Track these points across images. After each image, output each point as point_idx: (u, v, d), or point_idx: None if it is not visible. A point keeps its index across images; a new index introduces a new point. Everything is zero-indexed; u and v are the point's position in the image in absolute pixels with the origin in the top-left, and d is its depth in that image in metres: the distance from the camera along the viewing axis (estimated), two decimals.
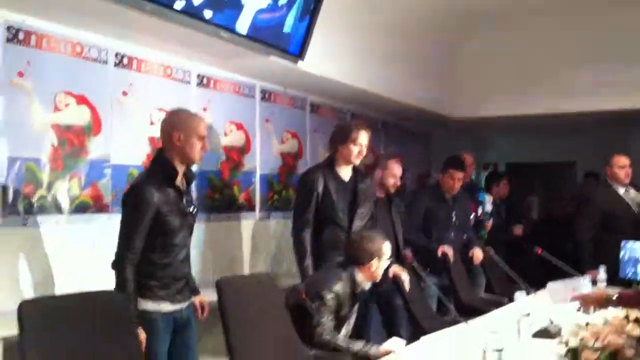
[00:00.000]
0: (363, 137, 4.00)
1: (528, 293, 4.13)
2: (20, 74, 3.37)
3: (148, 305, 2.86)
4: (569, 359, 2.47)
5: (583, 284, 3.67)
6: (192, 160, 3.02)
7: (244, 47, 3.97)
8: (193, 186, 3.53)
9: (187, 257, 3.06)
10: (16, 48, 3.35)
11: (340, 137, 4.02)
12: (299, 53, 4.28)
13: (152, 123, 4.14)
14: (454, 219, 5.15)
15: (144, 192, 2.84)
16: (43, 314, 1.98)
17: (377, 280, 3.48)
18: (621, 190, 5.22)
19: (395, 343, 3.14)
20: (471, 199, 5.82)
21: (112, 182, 3.89)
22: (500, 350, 2.44)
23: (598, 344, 2.44)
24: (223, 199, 4.78)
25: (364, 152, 4.05)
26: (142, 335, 2.74)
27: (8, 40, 3.32)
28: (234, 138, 4.90)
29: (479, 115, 7.18)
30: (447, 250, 4.89)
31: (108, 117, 3.86)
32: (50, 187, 3.52)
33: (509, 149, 9.20)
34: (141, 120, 4.10)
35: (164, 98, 4.22)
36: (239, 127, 4.93)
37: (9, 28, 3.31)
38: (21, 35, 3.37)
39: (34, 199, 3.44)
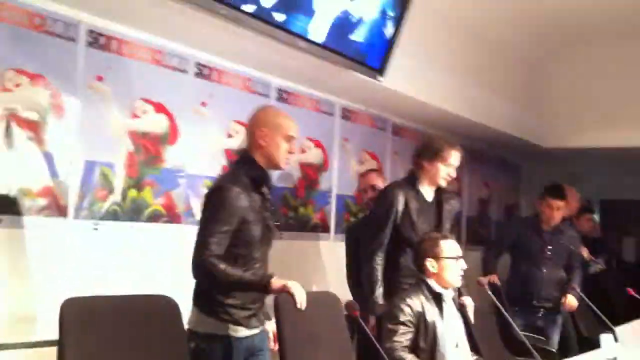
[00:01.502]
0: (455, 158, 3.62)
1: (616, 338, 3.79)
2: (100, 78, 3.40)
3: (220, 328, 2.57)
4: None
5: None
6: (276, 162, 2.70)
7: (320, 58, 3.86)
8: None
9: None
10: (96, 52, 3.38)
11: (429, 154, 3.63)
12: (379, 67, 4.14)
13: (229, 135, 4.12)
14: (548, 254, 4.72)
15: (231, 192, 2.53)
16: (85, 315, 1.89)
17: (452, 285, 3.20)
18: None
19: None
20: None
21: (185, 192, 3.86)
22: None
23: None
24: (297, 217, 4.68)
25: (454, 175, 3.68)
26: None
27: (89, 44, 3.35)
28: (311, 155, 4.80)
29: (573, 146, 6.78)
30: (482, 280, 4.08)
31: (185, 127, 3.85)
32: (123, 193, 3.52)
33: (603, 184, 8.67)
34: (218, 132, 4.07)
35: (242, 110, 4.16)
36: (317, 144, 4.84)
37: (90, 32, 3.35)
38: (102, 40, 3.40)
39: (106, 204, 3.44)
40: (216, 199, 2.57)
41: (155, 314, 2.14)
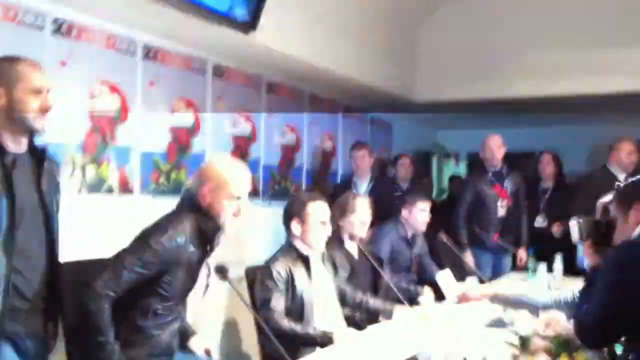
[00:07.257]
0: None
1: (482, 281, 4.11)
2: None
3: None
4: (520, 347, 2.37)
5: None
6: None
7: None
8: None
9: None
10: None
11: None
12: (251, 21, 4.01)
13: (92, 96, 3.90)
14: None
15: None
16: None
17: (316, 248, 3.19)
18: (621, 177, 4.98)
19: (347, 334, 2.97)
20: None
21: None
22: None
23: (549, 332, 2.33)
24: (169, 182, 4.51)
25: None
26: None
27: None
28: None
29: (442, 99, 6.89)
30: None
31: None
32: None
33: (470, 136, 8.95)
34: (81, 93, 3.84)
35: (105, 69, 3.97)
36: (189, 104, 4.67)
37: None
38: None
39: None
40: None
41: None
